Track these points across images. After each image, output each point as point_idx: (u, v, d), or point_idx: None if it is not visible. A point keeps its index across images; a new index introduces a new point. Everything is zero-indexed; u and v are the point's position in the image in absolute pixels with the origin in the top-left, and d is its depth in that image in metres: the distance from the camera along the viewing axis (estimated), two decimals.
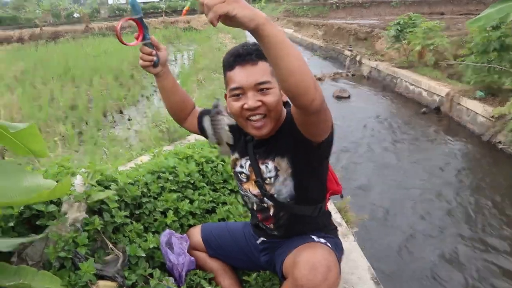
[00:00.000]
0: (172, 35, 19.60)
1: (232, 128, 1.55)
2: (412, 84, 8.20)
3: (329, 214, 1.84)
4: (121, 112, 7.50)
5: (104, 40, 19.20)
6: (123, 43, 1.48)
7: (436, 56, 8.20)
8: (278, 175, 1.60)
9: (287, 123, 1.54)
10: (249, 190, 1.71)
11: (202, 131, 1.80)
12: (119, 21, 1.46)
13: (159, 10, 31.84)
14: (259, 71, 1.47)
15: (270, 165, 1.60)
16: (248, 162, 1.68)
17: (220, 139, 1.50)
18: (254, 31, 1.02)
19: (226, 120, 1.46)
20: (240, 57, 1.48)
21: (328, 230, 1.78)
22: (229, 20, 0.98)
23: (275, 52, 1.07)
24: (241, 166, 1.71)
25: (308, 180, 1.62)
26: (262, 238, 1.84)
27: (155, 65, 1.57)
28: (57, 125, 6.05)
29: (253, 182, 1.68)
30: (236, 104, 1.49)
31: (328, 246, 1.53)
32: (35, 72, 10.46)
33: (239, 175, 1.74)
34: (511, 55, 5.88)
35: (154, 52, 1.54)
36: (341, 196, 2.01)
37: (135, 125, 6.40)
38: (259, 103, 1.47)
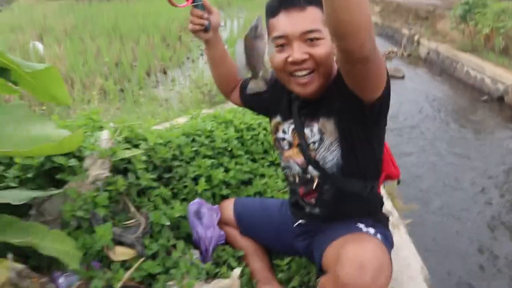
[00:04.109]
0: (224, 0, 19.28)
1: (274, 85, 1.36)
2: (474, 70, 7.56)
3: (381, 199, 1.58)
4: (164, 73, 7.39)
5: (155, 0, 19.17)
6: (172, 3, 1.34)
7: (506, 41, 7.47)
8: (323, 139, 1.37)
9: (338, 81, 1.26)
10: (292, 159, 1.48)
11: (245, 103, 1.65)
12: None
13: None
14: (307, 18, 1.23)
15: (315, 127, 1.38)
16: (292, 126, 1.44)
17: (254, 69, 1.26)
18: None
19: (265, 47, 1.23)
20: (286, 0, 1.24)
21: (379, 219, 1.52)
22: None
23: None
24: (284, 132, 1.49)
25: (357, 148, 1.36)
26: (300, 221, 1.60)
27: (206, 30, 1.42)
28: (100, 80, 5.99)
29: (296, 149, 1.45)
30: (279, 56, 1.27)
31: (379, 239, 1.28)
32: (84, 27, 10.52)
33: (281, 141, 1.51)
34: None
35: (205, 15, 1.39)
36: (398, 182, 1.74)
37: (177, 86, 6.26)
38: (306, 56, 1.24)
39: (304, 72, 1.26)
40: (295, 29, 1.23)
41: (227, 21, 14.05)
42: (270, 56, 1.30)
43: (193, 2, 1.36)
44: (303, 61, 1.24)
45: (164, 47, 8.79)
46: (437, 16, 11.09)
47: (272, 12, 1.28)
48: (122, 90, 5.89)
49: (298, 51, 1.23)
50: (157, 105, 4.73)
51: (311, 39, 1.23)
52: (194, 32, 1.42)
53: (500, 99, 6.62)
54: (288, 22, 1.24)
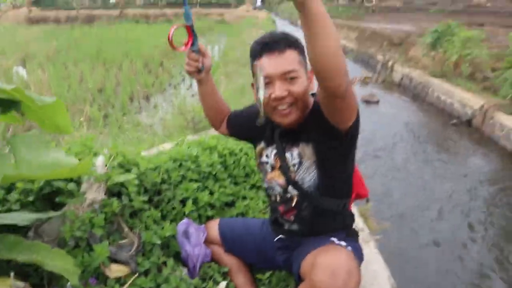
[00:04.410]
0: (205, 27, 19.66)
1: (253, 113, 1.54)
2: (445, 94, 7.96)
3: (352, 216, 1.77)
4: (147, 99, 7.53)
5: (137, 26, 19.42)
6: (173, 47, 1.52)
7: (473, 67, 7.92)
8: (302, 162, 1.56)
9: (314, 112, 1.51)
10: (274, 180, 1.67)
11: (232, 133, 1.85)
12: (172, 27, 1.51)
13: (193, 2, 31.97)
14: (286, 60, 1.44)
15: (295, 152, 1.58)
16: (274, 151, 1.64)
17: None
18: (300, 5, 1.03)
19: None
20: (267, 45, 1.45)
21: (350, 233, 1.71)
22: None
23: (315, 30, 1.08)
24: (267, 156, 1.68)
25: (332, 170, 1.57)
26: (280, 236, 1.78)
27: (200, 71, 1.60)
28: (84, 106, 6.11)
29: (278, 171, 1.64)
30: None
31: (349, 251, 1.46)
32: (67, 53, 10.64)
33: (264, 165, 1.70)
34: None
35: (200, 59, 1.58)
36: (367, 201, 1.95)
37: (160, 112, 6.41)
38: (286, 93, 1.44)
39: (284, 106, 1.47)
40: (276, 70, 1.43)
41: (208, 46, 14.34)
42: (255, 93, 1.49)
43: (191, 47, 1.55)
44: (284, 97, 1.45)
45: (146, 73, 8.97)
46: (409, 43, 11.60)
47: (256, 55, 1.49)
48: (106, 116, 6.02)
49: (279, 89, 1.44)
50: (142, 131, 4.87)
51: (291, 78, 1.44)
52: (190, 73, 1.62)
53: (469, 122, 6.98)
54: (270, 64, 1.44)
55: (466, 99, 7.19)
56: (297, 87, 1.45)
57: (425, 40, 9.11)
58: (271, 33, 1.50)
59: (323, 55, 1.11)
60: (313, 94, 1.58)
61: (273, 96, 1.44)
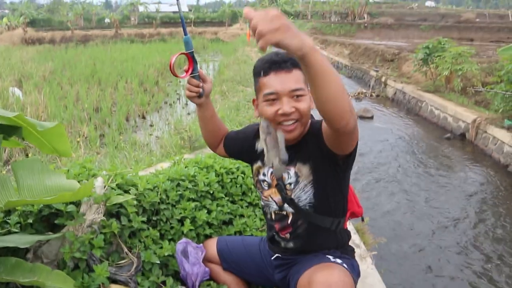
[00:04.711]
0: (199, 45, 19.86)
1: (256, 135, 1.57)
2: (438, 109, 8.07)
3: (347, 233, 1.79)
4: (143, 117, 7.58)
5: (132, 46, 19.58)
6: (175, 75, 1.59)
7: (464, 82, 8.06)
8: (299, 181, 1.60)
9: (312, 132, 1.55)
10: (270, 197, 1.70)
11: (230, 155, 1.87)
12: (173, 56, 1.55)
13: (188, 21, 32.35)
14: (293, 78, 1.49)
15: (292, 171, 1.61)
16: (271, 170, 1.67)
17: (278, 157, 1.43)
18: (300, 58, 1.05)
19: (279, 136, 1.42)
20: (275, 64, 1.51)
21: (346, 250, 1.74)
22: (277, 46, 1.01)
23: (316, 79, 1.11)
24: (264, 174, 1.71)
25: (328, 190, 1.60)
26: (277, 254, 1.80)
27: (200, 96, 1.64)
28: (81, 126, 6.14)
29: (275, 189, 1.67)
30: (271, 109, 1.50)
31: (345, 268, 1.48)
32: (63, 73, 10.72)
33: (261, 183, 1.73)
34: None
35: (201, 84, 1.62)
36: (362, 220, 1.98)
37: (156, 131, 6.45)
38: (293, 109, 1.49)
39: (290, 122, 1.51)
40: (285, 88, 1.49)
41: (203, 64, 14.48)
42: (260, 109, 1.55)
43: (191, 73, 1.60)
44: (291, 113, 1.49)
45: (142, 92, 9.03)
46: (402, 58, 11.79)
47: (264, 72, 1.53)
48: (102, 135, 6.05)
49: (287, 105, 1.48)
50: (139, 150, 4.90)
51: (297, 96, 1.50)
52: (190, 98, 1.65)
53: (462, 136, 7.07)
54: (278, 82, 1.49)
55: (458, 114, 7.30)
56: (303, 105, 1.50)
57: (417, 55, 9.26)
58: (277, 52, 1.54)
59: (327, 101, 1.15)
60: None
61: (281, 112, 1.49)
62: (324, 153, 1.48)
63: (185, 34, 1.55)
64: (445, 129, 7.57)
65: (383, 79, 11.34)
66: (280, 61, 1.50)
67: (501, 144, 5.96)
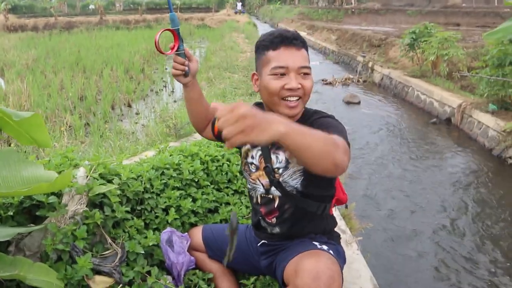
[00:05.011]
0: (186, 31, 19.63)
1: None
2: (424, 94, 8.12)
3: (333, 219, 1.80)
4: (129, 106, 7.50)
5: (117, 33, 19.28)
6: (160, 51, 1.57)
7: (450, 67, 8.10)
8: (288, 167, 1.60)
9: (307, 120, 1.54)
10: (258, 180, 1.69)
11: (217, 136, 1.82)
12: (159, 31, 1.53)
13: (174, 6, 31.91)
14: (302, 56, 1.52)
15: (281, 156, 1.60)
16: (259, 152, 1.66)
17: (229, 253, 1.52)
18: (278, 142, 1.05)
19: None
20: (287, 39, 1.51)
21: (332, 236, 1.74)
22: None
23: (295, 153, 1.11)
24: (252, 157, 1.70)
25: (318, 178, 1.59)
26: (263, 241, 1.80)
27: (185, 75, 1.63)
28: (65, 115, 6.05)
29: (262, 172, 1.66)
30: (277, 83, 1.50)
31: (331, 254, 1.49)
32: (46, 61, 10.52)
33: (249, 165, 1.72)
34: None
35: (186, 62, 1.60)
36: (346, 206, 1.99)
37: (142, 119, 6.39)
38: (299, 86, 1.50)
39: (294, 98, 1.51)
40: (295, 63, 1.49)
41: (190, 51, 14.30)
42: (265, 82, 1.53)
43: (177, 51, 1.57)
44: (297, 89, 1.50)
45: (127, 79, 8.91)
46: (388, 44, 11.79)
47: (273, 45, 1.52)
48: (88, 124, 5.97)
49: (295, 81, 1.49)
50: (124, 139, 4.85)
51: (304, 74, 1.51)
52: (176, 76, 1.64)
53: (448, 120, 7.13)
54: (289, 57, 1.50)
55: (444, 98, 7.35)
56: (308, 83, 1.52)
57: (403, 41, 9.27)
58: (286, 30, 1.56)
59: (311, 165, 1.15)
60: None
61: (288, 86, 1.49)
62: None
63: (171, 11, 1.52)
64: (431, 114, 7.63)
65: (370, 64, 11.36)
66: (291, 37, 1.51)
67: (486, 128, 6.03)
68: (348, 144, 1.35)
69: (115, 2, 38.38)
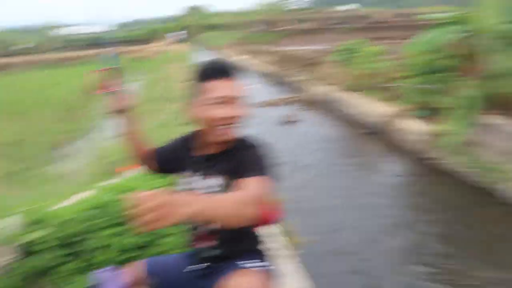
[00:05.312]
0: (123, 64, 19.41)
1: (177, 145, 1.74)
2: (354, 107, 8.57)
3: (257, 238, 1.89)
4: (69, 146, 7.32)
5: (56, 72, 18.75)
6: (95, 91, 1.68)
7: (376, 79, 8.62)
8: (219, 190, 1.67)
9: (237, 149, 1.65)
10: None
11: (161, 167, 1.89)
12: (93, 71, 1.66)
13: (112, 41, 31.55)
14: (234, 85, 1.63)
15: (212, 180, 1.68)
16: (194, 178, 1.74)
17: None
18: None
19: None
20: (222, 70, 1.63)
21: (260, 255, 1.83)
22: None
23: (211, 220, 1.32)
24: (187, 184, 1.77)
25: None
26: (196, 266, 1.86)
27: (123, 111, 1.73)
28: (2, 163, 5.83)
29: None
30: (218, 112, 1.60)
31: (259, 272, 1.59)
32: None
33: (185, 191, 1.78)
34: (447, 76, 6.25)
35: (123, 98, 1.70)
36: (280, 223, 2.08)
37: (82, 159, 6.28)
38: (233, 114, 1.62)
39: (228, 126, 1.62)
40: (232, 93, 1.61)
41: (127, 85, 14.16)
42: (202, 111, 1.62)
43: (112, 88, 1.68)
44: (233, 117, 1.62)
45: (68, 119, 8.72)
46: (321, 61, 12.31)
47: (212, 76, 1.62)
48: (26, 169, 5.78)
49: (234, 110, 1.61)
50: (62, 181, 4.76)
51: (238, 103, 1.63)
52: (113, 113, 1.73)
53: (377, 130, 7.57)
54: (227, 87, 1.62)
55: (372, 110, 7.80)
56: (240, 111, 1.64)
57: (334, 58, 9.75)
58: (220, 60, 1.68)
59: (227, 225, 1.30)
60: None
61: (221, 115, 1.60)
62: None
63: (106, 47, 1.67)
64: (362, 125, 8.05)
65: (305, 83, 11.78)
66: (228, 68, 1.64)
67: (412, 133, 6.47)
68: (274, 174, 1.52)
69: (54, 39, 37.44)
